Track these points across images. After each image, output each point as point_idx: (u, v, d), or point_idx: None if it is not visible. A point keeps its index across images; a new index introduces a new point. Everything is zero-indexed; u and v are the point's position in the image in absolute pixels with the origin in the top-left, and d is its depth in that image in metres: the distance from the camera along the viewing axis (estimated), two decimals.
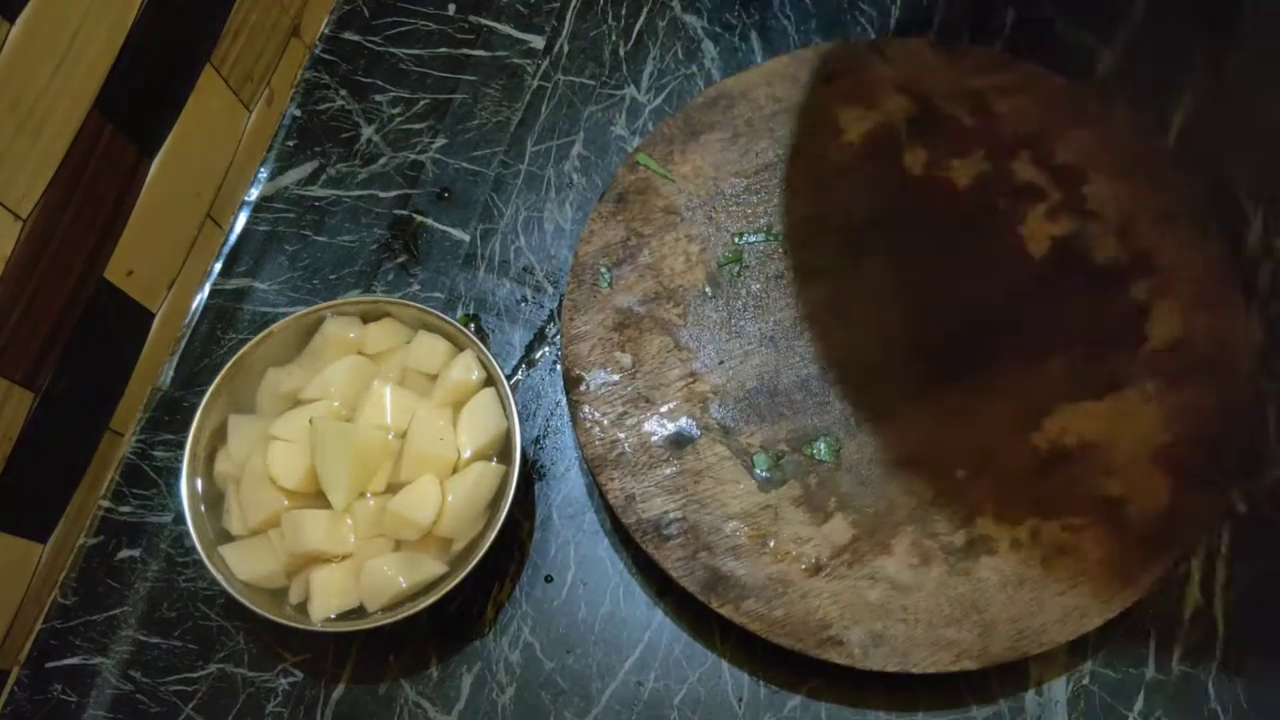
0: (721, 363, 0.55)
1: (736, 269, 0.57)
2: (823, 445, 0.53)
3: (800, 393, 0.54)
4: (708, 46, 0.66)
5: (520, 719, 0.51)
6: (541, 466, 0.56)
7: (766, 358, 0.55)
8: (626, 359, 0.55)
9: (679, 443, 0.53)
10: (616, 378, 0.54)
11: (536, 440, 0.57)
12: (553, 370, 0.59)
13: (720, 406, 0.54)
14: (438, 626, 0.53)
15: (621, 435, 0.53)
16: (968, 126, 0.59)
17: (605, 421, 0.53)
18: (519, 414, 0.51)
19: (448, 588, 0.48)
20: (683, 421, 0.53)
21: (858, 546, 0.51)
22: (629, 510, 0.51)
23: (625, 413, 0.54)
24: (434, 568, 0.49)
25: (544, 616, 0.53)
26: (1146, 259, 0.56)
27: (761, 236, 0.57)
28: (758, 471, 0.52)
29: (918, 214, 0.58)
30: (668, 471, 0.52)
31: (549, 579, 0.54)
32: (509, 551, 0.54)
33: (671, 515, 0.51)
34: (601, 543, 0.55)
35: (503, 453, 0.51)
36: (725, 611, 0.49)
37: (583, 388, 0.54)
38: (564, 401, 0.58)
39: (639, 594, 0.53)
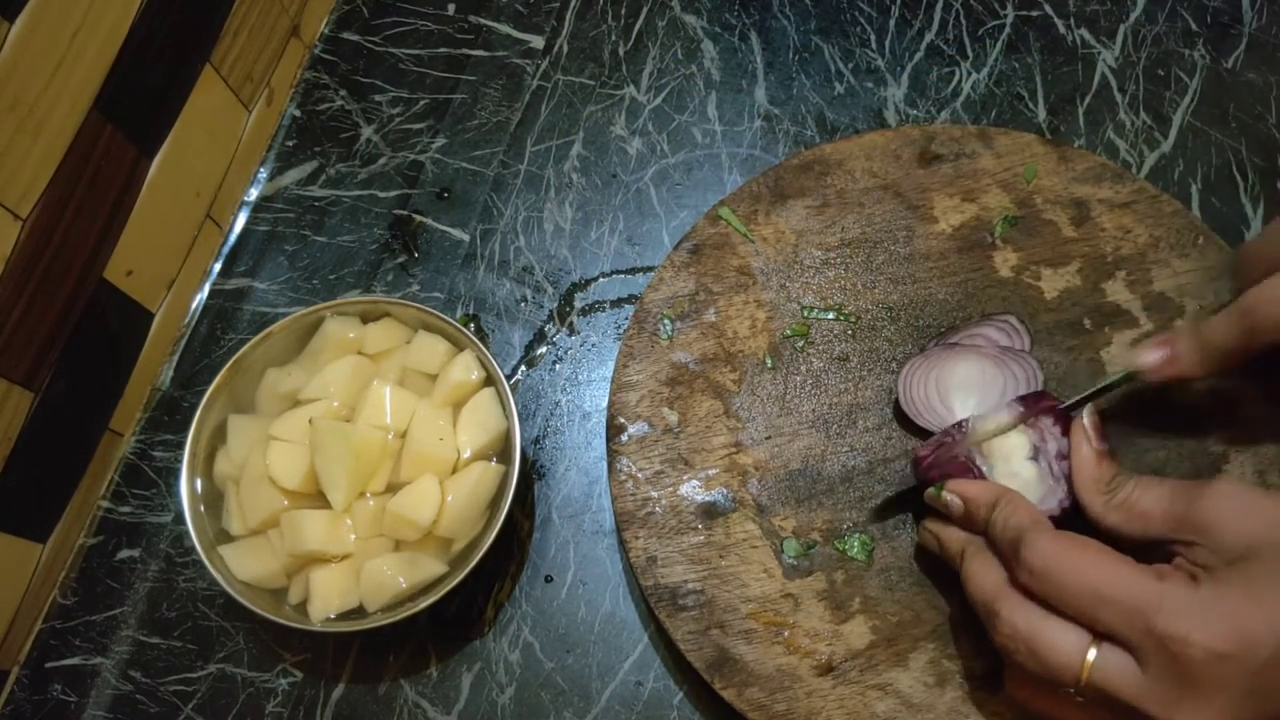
0: (769, 438, 0.53)
1: (801, 344, 0.54)
2: (856, 542, 0.50)
3: (844, 484, 0.52)
4: (707, 46, 0.66)
5: (520, 719, 0.51)
6: (541, 466, 0.56)
7: (815, 441, 0.53)
8: (673, 417, 0.53)
9: (711, 513, 0.51)
10: (659, 434, 0.53)
11: (536, 440, 0.57)
12: (553, 370, 0.59)
13: (759, 483, 0.52)
14: (438, 626, 0.53)
15: (655, 494, 0.51)
16: (1066, 236, 0.56)
17: (640, 477, 0.52)
18: (519, 414, 0.51)
19: (448, 588, 0.48)
20: (718, 492, 0.52)
21: (874, 654, 0.48)
22: (649, 572, 0.50)
23: (662, 472, 0.52)
24: (434, 568, 0.49)
25: (544, 616, 0.53)
26: (1231, 409, 0.51)
27: (832, 314, 0.55)
28: (786, 557, 0.50)
29: (997, 319, 0.54)
30: (695, 540, 0.51)
31: (549, 579, 0.54)
32: (509, 551, 0.54)
33: (690, 586, 0.50)
34: (601, 543, 0.55)
35: (503, 453, 0.51)
36: (727, 695, 0.48)
37: (623, 438, 0.53)
38: (563, 401, 0.58)
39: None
